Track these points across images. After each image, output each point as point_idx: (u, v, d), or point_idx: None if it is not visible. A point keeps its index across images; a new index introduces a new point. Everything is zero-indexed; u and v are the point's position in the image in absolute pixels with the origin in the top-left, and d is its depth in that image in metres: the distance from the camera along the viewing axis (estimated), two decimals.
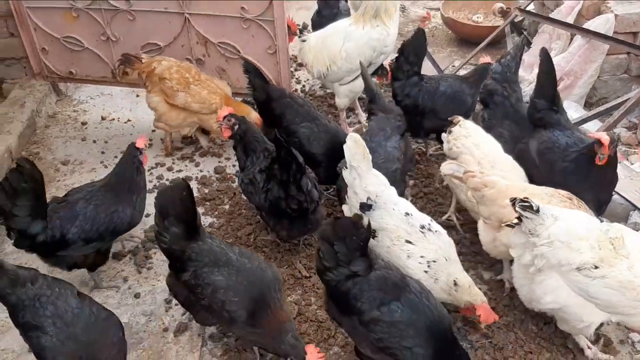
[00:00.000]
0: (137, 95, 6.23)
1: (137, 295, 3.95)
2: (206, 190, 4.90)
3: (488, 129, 4.40)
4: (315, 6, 6.37)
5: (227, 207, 4.72)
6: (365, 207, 3.52)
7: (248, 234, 4.40)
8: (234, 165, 5.21)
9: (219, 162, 5.30)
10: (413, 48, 4.77)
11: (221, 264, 3.16)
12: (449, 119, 4.27)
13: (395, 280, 3.02)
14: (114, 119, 5.97)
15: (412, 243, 3.41)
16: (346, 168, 3.59)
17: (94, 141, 5.59)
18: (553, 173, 3.93)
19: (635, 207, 4.31)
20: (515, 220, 3.14)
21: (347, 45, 5.15)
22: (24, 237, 3.60)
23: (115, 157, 5.32)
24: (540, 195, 3.51)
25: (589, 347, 3.44)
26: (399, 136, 4.28)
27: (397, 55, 4.87)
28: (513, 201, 3.12)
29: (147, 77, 5.02)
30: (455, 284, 3.33)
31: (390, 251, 3.43)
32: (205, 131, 5.48)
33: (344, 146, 3.57)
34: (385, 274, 3.02)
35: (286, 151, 3.73)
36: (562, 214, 3.16)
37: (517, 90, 4.57)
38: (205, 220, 4.57)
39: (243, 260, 3.21)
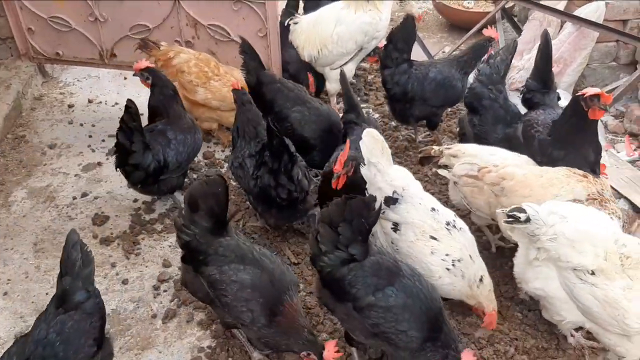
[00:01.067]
0: (125, 78, 6.16)
1: (125, 282, 3.95)
2: (195, 176, 4.86)
3: (480, 135, 4.39)
4: None
5: None
6: (391, 200, 3.45)
7: (237, 220, 4.39)
8: (222, 151, 5.19)
9: (208, 147, 5.26)
10: (402, 35, 4.73)
11: (247, 262, 3.07)
12: (424, 155, 4.17)
13: (389, 265, 3.02)
14: (101, 102, 5.90)
15: (437, 239, 3.37)
16: (364, 165, 3.52)
17: (81, 124, 5.53)
18: (532, 147, 3.98)
19: (620, 196, 4.36)
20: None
21: (339, 29, 5.13)
22: (139, 170, 4.07)
23: (103, 140, 5.28)
24: (558, 178, 3.55)
25: (572, 335, 3.50)
26: None
27: (385, 43, 4.83)
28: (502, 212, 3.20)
29: (162, 67, 4.89)
30: (481, 280, 3.34)
31: (413, 246, 3.37)
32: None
33: (360, 143, 3.48)
34: (379, 259, 3.02)
35: (279, 140, 3.71)
36: (573, 214, 3.17)
37: (503, 90, 4.48)
38: None
39: (264, 260, 3.12)
